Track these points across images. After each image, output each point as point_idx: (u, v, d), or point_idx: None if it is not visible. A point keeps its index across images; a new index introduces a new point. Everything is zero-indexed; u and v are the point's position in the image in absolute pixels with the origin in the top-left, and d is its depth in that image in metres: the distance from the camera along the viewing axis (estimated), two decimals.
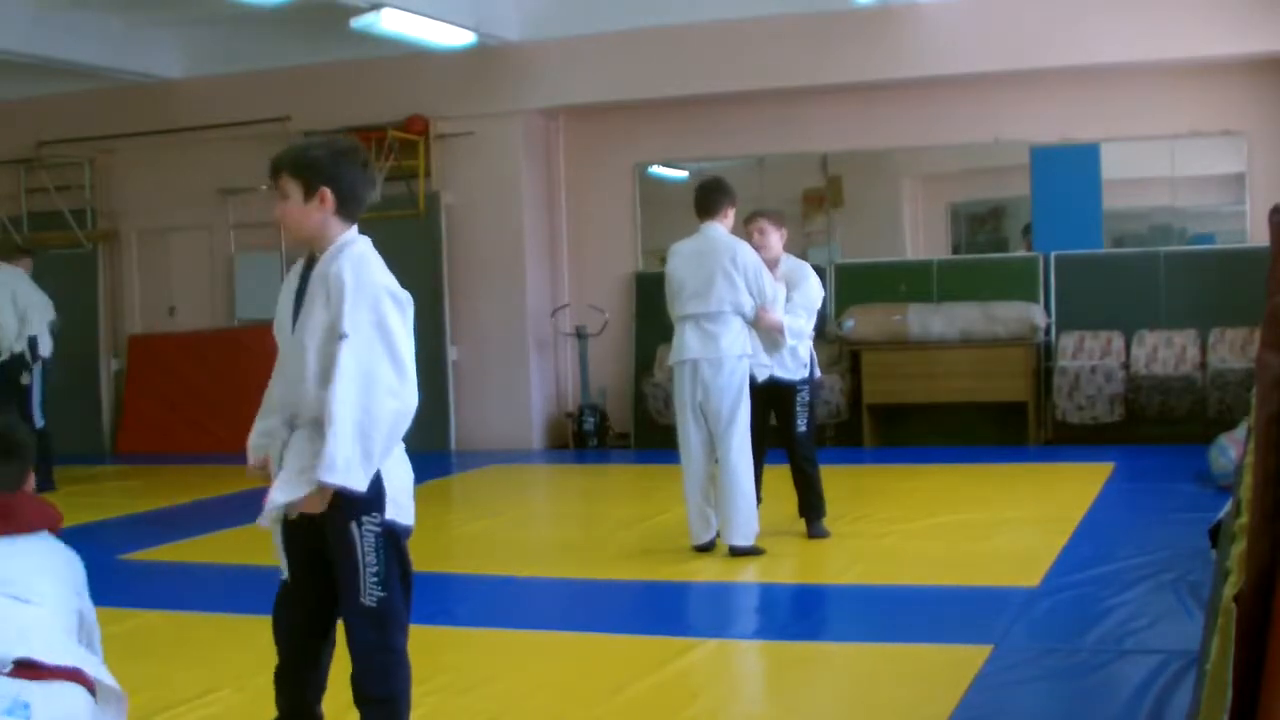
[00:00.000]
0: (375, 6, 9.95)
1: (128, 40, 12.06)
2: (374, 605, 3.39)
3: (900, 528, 7.43)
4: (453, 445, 12.10)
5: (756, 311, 6.77)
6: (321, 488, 3.26)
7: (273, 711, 3.68)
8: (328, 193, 3.39)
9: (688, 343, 6.78)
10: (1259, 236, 10.47)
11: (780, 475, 7.35)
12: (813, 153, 11.88)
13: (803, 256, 11.61)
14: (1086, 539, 6.87)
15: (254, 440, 3.54)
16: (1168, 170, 11.22)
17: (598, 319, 12.17)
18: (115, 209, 13.26)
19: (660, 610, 6.07)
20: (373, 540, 3.37)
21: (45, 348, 10.11)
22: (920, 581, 6.21)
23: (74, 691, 2.95)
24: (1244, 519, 2.18)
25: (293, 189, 3.41)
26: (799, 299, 7.11)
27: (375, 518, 3.35)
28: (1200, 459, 8.46)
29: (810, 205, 12.14)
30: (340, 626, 3.51)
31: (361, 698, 3.48)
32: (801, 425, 7.25)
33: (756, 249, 6.95)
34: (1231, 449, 7.74)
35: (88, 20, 11.43)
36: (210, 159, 12.57)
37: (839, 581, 6.39)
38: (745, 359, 6.81)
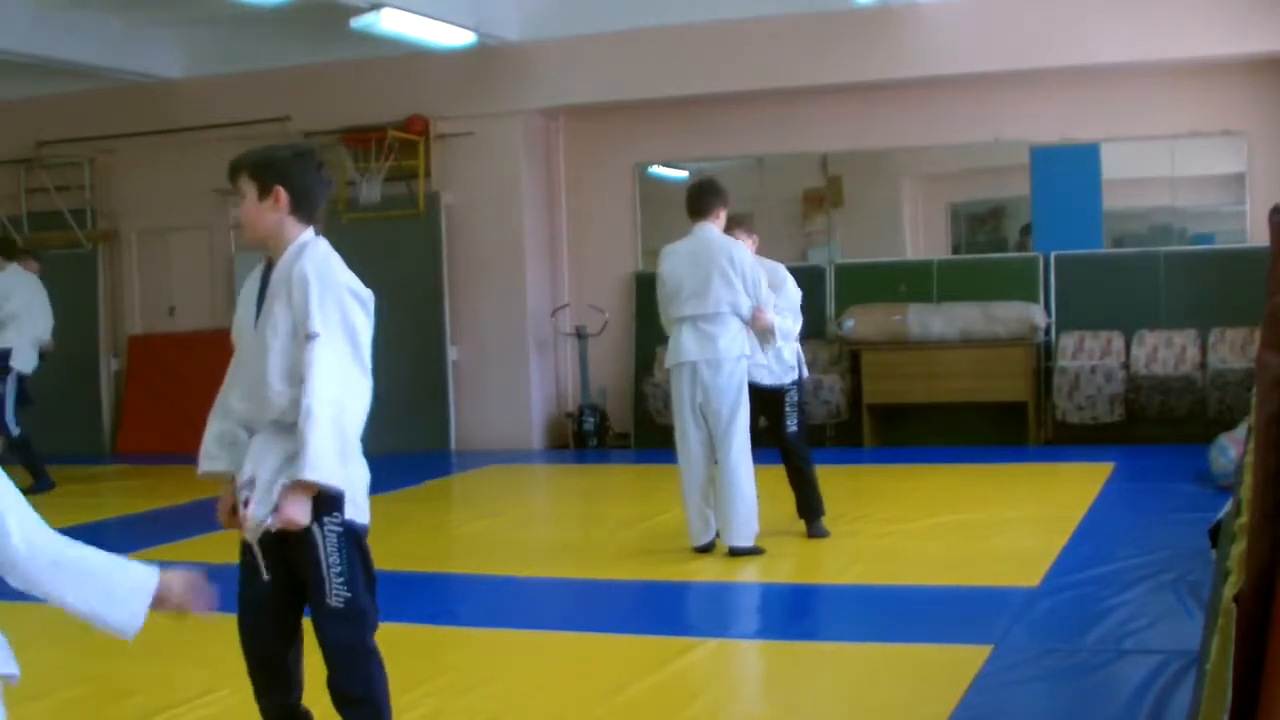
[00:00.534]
0: (375, 6, 9.95)
1: (128, 40, 12.06)
2: (341, 606, 3.38)
3: (900, 528, 7.43)
4: (453, 445, 12.10)
5: (753, 312, 6.78)
6: (302, 488, 3.26)
7: None
8: (282, 192, 3.41)
9: (685, 345, 6.76)
10: (1259, 236, 10.47)
11: (778, 476, 7.34)
12: (813, 153, 11.88)
13: (803, 257, 11.78)
14: (1086, 539, 6.87)
15: (210, 447, 3.48)
16: (1168, 170, 11.22)
17: (598, 319, 12.17)
18: (115, 209, 13.27)
19: (660, 610, 6.07)
20: (335, 540, 3.35)
21: (22, 362, 9.96)
22: (920, 581, 6.21)
23: None
24: (1244, 519, 2.18)
25: (249, 188, 3.44)
26: (783, 302, 7.17)
27: (336, 517, 3.34)
28: (1200, 459, 8.46)
29: (810, 205, 12.14)
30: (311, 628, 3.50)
31: (341, 700, 3.47)
32: (792, 426, 7.28)
33: None
34: (1231, 449, 7.74)
35: (88, 20, 11.43)
36: (210, 159, 12.49)
37: (839, 581, 6.38)
38: (744, 359, 6.82)
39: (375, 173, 12.07)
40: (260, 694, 3.59)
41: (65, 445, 11.39)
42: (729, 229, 7.00)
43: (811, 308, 11.43)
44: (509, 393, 12.08)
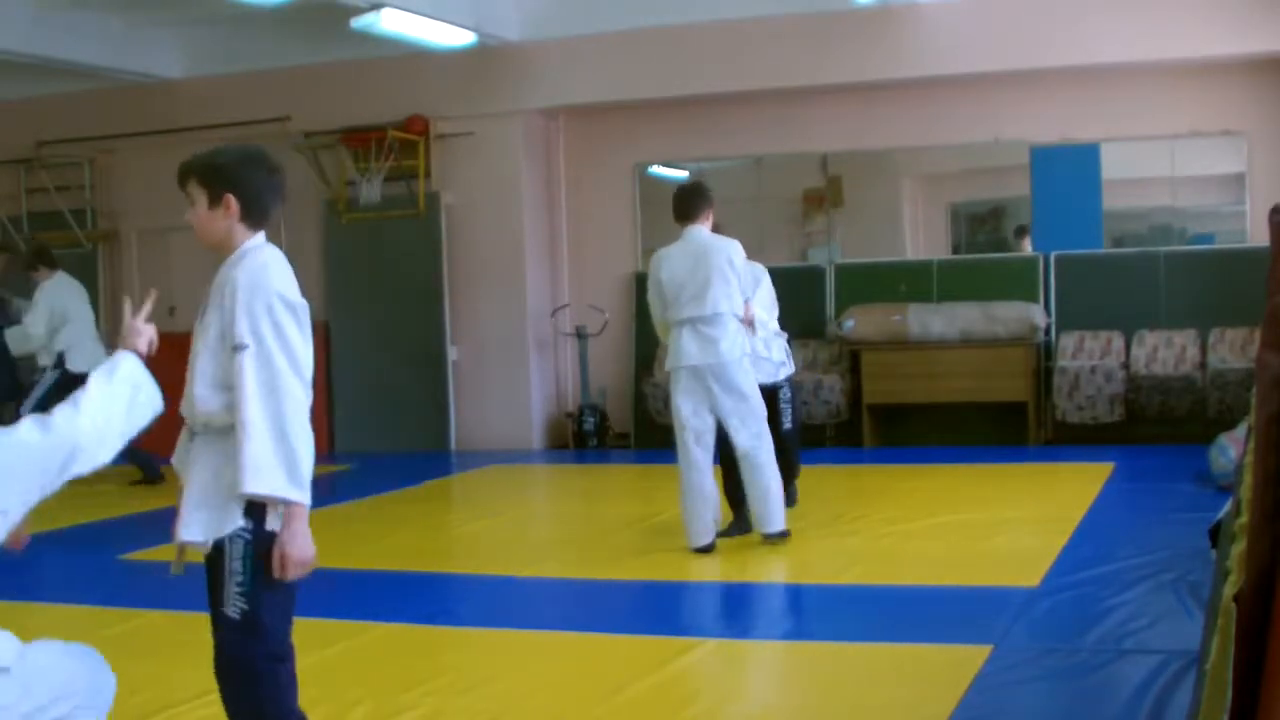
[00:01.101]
0: (375, 6, 9.95)
1: (128, 40, 12.06)
2: (236, 617, 3.24)
3: (900, 528, 7.43)
4: (453, 445, 12.10)
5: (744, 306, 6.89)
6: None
7: None
8: (232, 200, 3.32)
9: (686, 348, 6.80)
10: (1259, 236, 10.47)
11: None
12: (813, 153, 11.88)
13: (803, 257, 11.79)
14: (1086, 539, 6.87)
15: (176, 457, 3.47)
16: (1168, 170, 11.22)
17: (598, 319, 12.17)
18: (115, 209, 13.27)
19: (660, 610, 6.07)
20: (240, 548, 3.21)
21: (79, 362, 9.91)
22: (920, 581, 6.21)
23: None
24: (1244, 519, 2.18)
25: (198, 195, 3.34)
26: (765, 298, 7.39)
27: (246, 524, 3.21)
28: (1200, 459, 8.46)
29: (810, 205, 12.14)
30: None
31: (227, 712, 3.38)
32: (787, 423, 7.44)
33: None
34: (1231, 449, 7.74)
35: (88, 20, 11.43)
36: None
37: (839, 581, 6.38)
38: (746, 358, 6.89)
39: (375, 173, 12.07)
40: None
41: None
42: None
43: (811, 308, 11.49)
44: (509, 393, 12.08)
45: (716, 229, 7.08)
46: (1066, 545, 6.69)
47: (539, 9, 11.65)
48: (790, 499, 7.41)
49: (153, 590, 6.47)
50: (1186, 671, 4.24)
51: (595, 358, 12.10)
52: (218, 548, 3.25)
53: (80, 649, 3.25)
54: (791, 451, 7.39)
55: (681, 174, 12.64)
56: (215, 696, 4.62)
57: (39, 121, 13.04)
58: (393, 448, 12.02)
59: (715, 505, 7.01)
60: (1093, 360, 10.74)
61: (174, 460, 3.46)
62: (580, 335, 12.10)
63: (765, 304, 7.42)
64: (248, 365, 3.18)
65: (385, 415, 12.18)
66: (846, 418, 11.19)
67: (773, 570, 6.79)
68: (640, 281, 12.22)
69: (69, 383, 10.01)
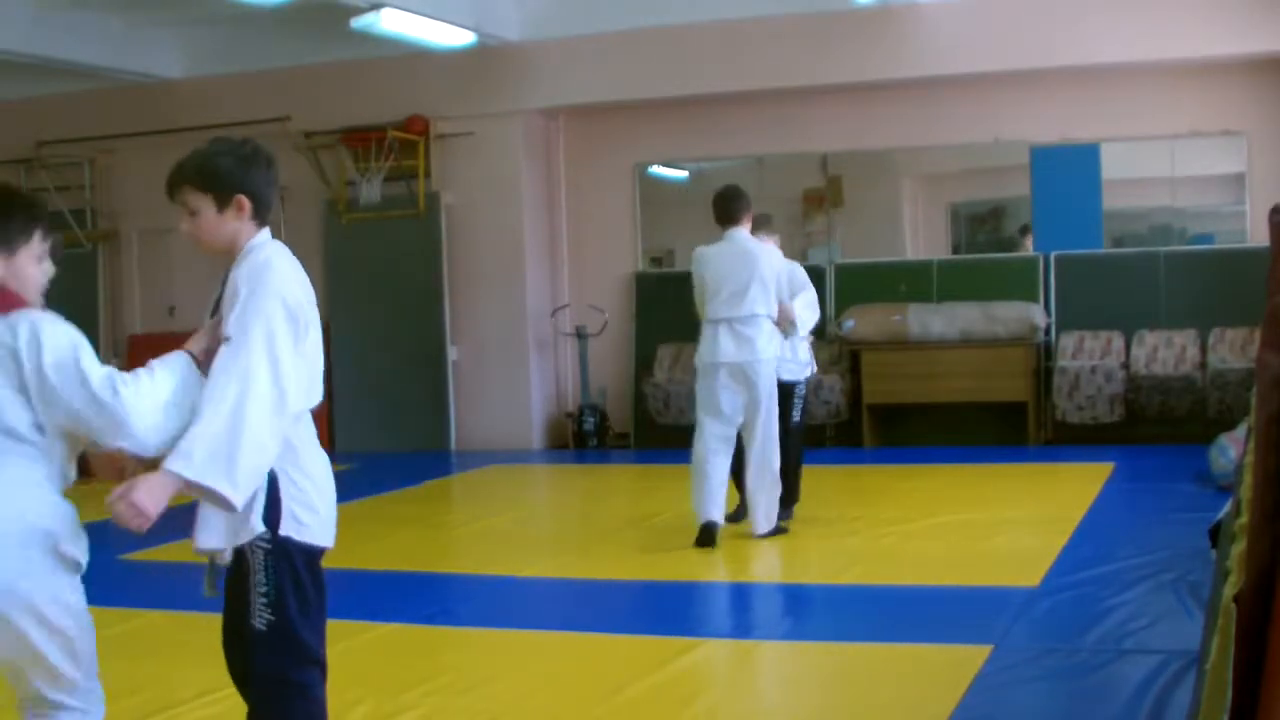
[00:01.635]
0: (375, 6, 9.95)
1: (128, 40, 12.06)
2: (263, 629, 3.17)
3: (900, 528, 7.43)
4: (453, 445, 12.10)
5: (779, 307, 7.24)
6: (165, 477, 2.99)
7: None
8: (244, 200, 3.23)
9: (724, 346, 7.10)
10: (1259, 236, 10.47)
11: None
12: (813, 153, 11.88)
13: (803, 256, 11.76)
14: (1086, 539, 6.87)
15: None
16: (1168, 170, 11.22)
17: (598, 319, 12.17)
18: (115, 209, 13.27)
19: (660, 610, 6.06)
20: (261, 558, 3.14)
21: None
22: (920, 581, 6.21)
23: None
24: (1244, 519, 2.18)
25: (200, 202, 3.22)
26: (807, 297, 7.62)
27: (265, 532, 3.13)
28: (1200, 459, 8.46)
29: (810, 205, 12.14)
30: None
31: None
32: (796, 416, 7.64)
33: None
34: (1231, 449, 7.74)
35: (88, 20, 11.43)
36: None
37: (839, 581, 6.38)
38: (777, 360, 7.21)
39: (375, 173, 12.07)
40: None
41: None
42: (754, 229, 7.43)
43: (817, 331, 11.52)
44: (509, 393, 12.08)
45: (763, 223, 7.62)
46: (1066, 545, 6.69)
47: (539, 9, 11.65)
48: (794, 495, 7.55)
49: (153, 590, 6.48)
50: (1186, 671, 4.24)
51: (595, 358, 12.10)
52: (239, 557, 3.16)
53: None
54: (795, 446, 7.53)
55: (681, 174, 12.66)
56: (216, 696, 4.64)
57: (39, 121, 13.03)
58: (393, 448, 12.02)
59: (725, 493, 7.21)
60: (1093, 360, 10.74)
61: None
62: (580, 335, 12.10)
63: (809, 303, 7.63)
64: (225, 356, 3.05)
65: (385, 415, 12.18)
66: (846, 418, 11.19)
67: (773, 570, 6.80)
68: (640, 282, 12.25)
69: None
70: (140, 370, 3.07)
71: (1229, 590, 2.02)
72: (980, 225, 12.12)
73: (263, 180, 3.30)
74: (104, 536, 3.40)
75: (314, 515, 3.25)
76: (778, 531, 7.19)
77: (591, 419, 11.96)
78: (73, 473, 3.20)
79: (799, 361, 7.63)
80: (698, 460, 7.14)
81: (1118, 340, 10.84)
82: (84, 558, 3.16)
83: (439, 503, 9.70)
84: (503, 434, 12.02)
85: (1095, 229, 11.22)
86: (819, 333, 11.29)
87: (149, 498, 2.98)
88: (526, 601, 6.31)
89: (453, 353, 12.13)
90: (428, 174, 12.13)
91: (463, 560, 7.53)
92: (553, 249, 12.47)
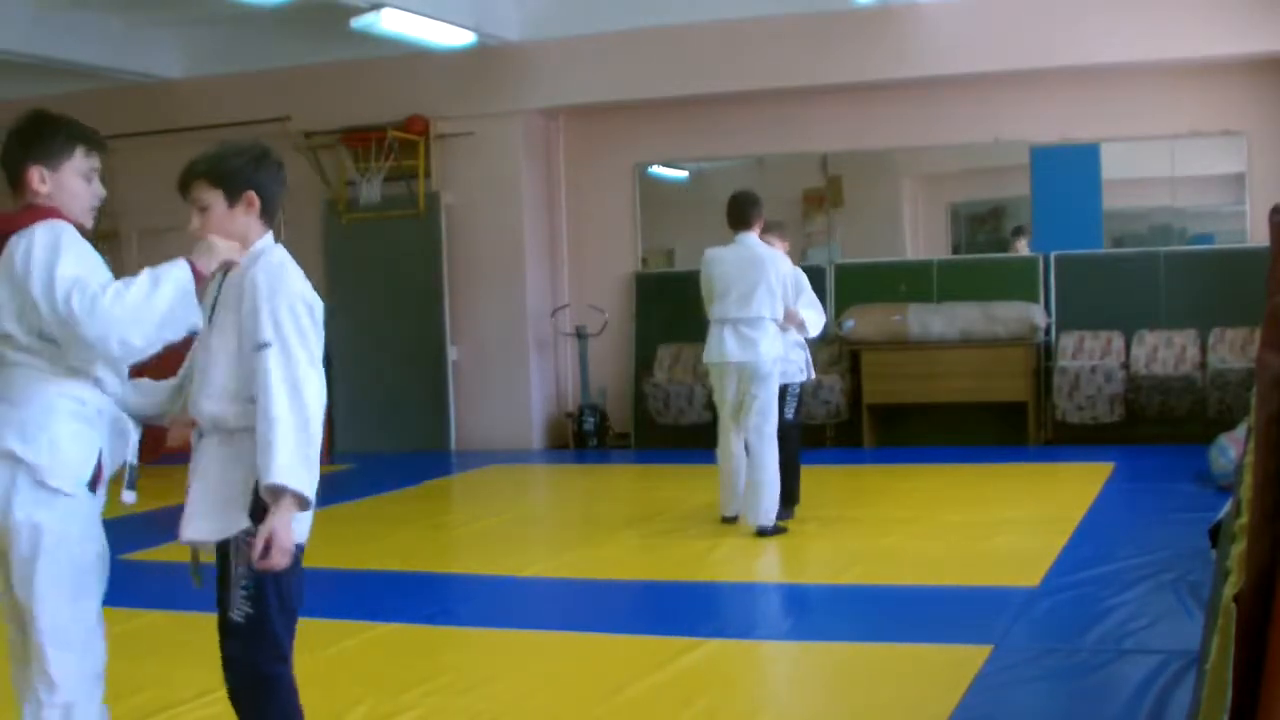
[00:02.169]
0: (375, 6, 9.95)
1: (128, 40, 12.06)
2: (241, 621, 3.21)
3: (900, 528, 7.43)
4: (453, 445, 12.10)
5: (785, 311, 7.44)
6: (273, 495, 3.10)
7: None
8: (253, 195, 3.28)
9: (729, 346, 7.33)
10: (1259, 236, 10.47)
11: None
12: (813, 153, 11.88)
13: (803, 257, 11.77)
14: (1086, 539, 6.87)
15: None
16: (1168, 170, 11.22)
17: (598, 319, 12.17)
18: (115, 209, 13.24)
19: (660, 610, 6.06)
20: (245, 552, 3.18)
21: None
22: (920, 581, 6.21)
23: None
24: (1244, 519, 2.18)
25: (211, 197, 3.27)
26: (806, 299, 7.79)
27: (250, 527, 3.17)
28: (1200, 459, 8.46)
29: (810, 205, 12.14)
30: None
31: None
32: (789, 413, 7.72)
33: None
34: (1231, 449, 7.74)
35: (88, 20, 11.43)
36: None
37: (839, 581, 6.38)
38: (779, 361, 7.37)
39: (375, 173, 12.07)
40: None
41: None
42: (766, 233, 7.62)
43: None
44: (509, 393, 12.08)
45: (774, 227, 7.80)
46: (1066, 545, 6.69)
47: (539, 9, 11.65)
48: (794, 495, 7.62)
49: (153, 590, 6.47)
50: (1186, 671, 4.24)
51: (595, 358, 12.10)
52: (222, 551, 3.22)
53: None
54: (792, 444, 7.61)
55: (681, 174, 12.66)
56: (216, 696, 4.63)
57: None
58: (393, 448, 12.02)
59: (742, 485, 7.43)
60: (1093, 360, 10.74)
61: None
62: (580, 335, 12.10)
63: (810, 303, 7.84)
64: (273, 361, 3.14)
65: (385, 415, 12.17)
66: (846, 418, 11.19)
67: (773, 570, 6.80)
68: (640, 282, 12.25)
69: None
70: (134, 279, 3.16)
71: (1229, 590, 2.02)
72: (980, 225, 12.12)
73: (272, 180, 3.35)
74: (106, 537, 3.40)
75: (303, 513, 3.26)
76: (776, 531, 7.22)
77: (591, 419, 11.96)
78: (112, 384, 3.28)
79: (797, 364, 7.78)
80: (720, 459, 7.52)
81: (1118, 340, 10.84)
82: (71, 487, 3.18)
83: (439, 503, 9.70)
84: (503, 434, 12.02)
85: (1095, 229, 11.22)
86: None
87: (285, 533, 3.11)
88: (526, 601, 6.31)
89: (453, 353, 12.13)
90: (428, 174, 12.13)
91: (463, 560, 7.53)
92: (553, 249, 12.47)
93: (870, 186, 12.08)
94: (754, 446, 7.28)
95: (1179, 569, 5.89)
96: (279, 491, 3.09)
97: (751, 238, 7.45)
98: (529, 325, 12.08)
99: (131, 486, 3.42)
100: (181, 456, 3.43)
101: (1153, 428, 10.58)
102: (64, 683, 3.19)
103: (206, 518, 3.23)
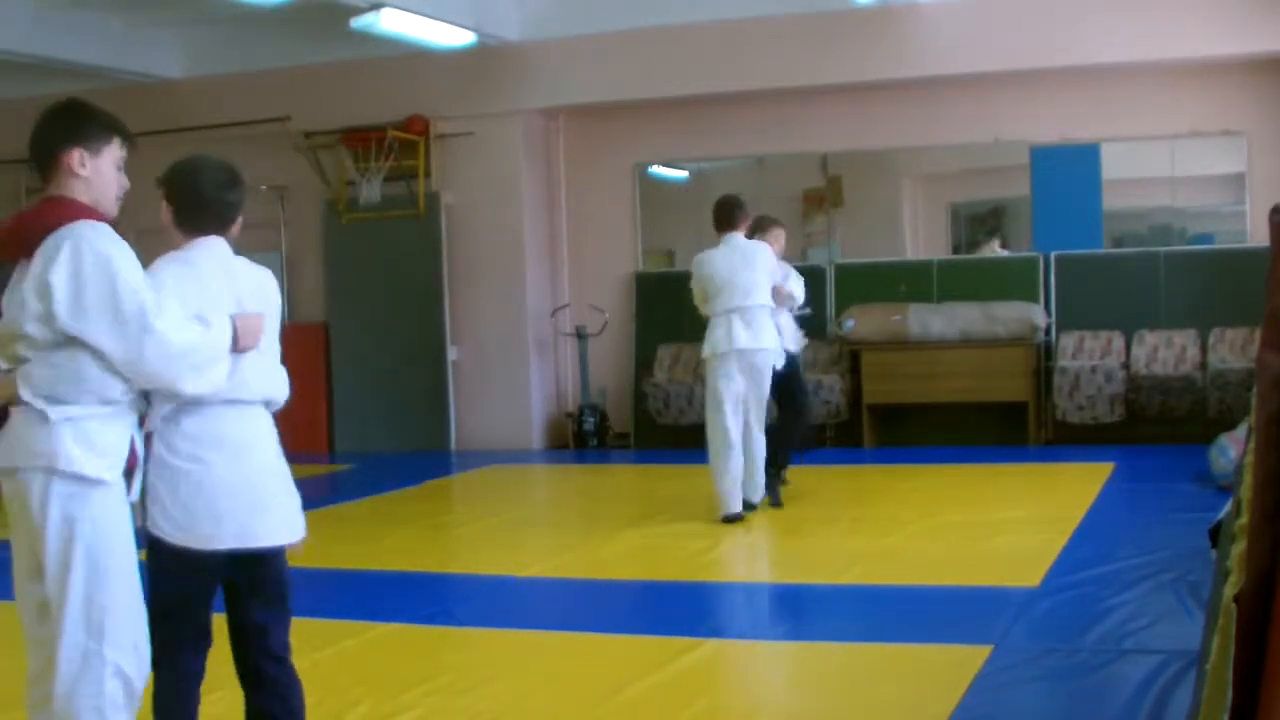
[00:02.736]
0: (375, 6, 9.95)
1: (128, 40, 12.06)
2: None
3: (900, 528, 7.43)
4: (453, 445, 12.10)
5: (775, 289, 7.96)
6: None
7: None
8: (165, 204, 3.63)
9: (736, 333, 7.69)
10: (1259, 236, 10.47)
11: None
12: (813, 153, 11.87)
13: (803, 256, 11.78)
14: (1086, 539, 6.87)
15: None
16: (1168, 170, 11.22)
17: (598, 319, 12.17)
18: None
19: (660, 610, 6.06)
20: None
21: None
22: (920, 581, 6.21)
23: None
24: (1244, 519, 2.18)
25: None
26: (794, 278, 8.57)
27: None
28: (1200, 459, 8.46)
29: (810, 205, 12.14)
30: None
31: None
32: (806, 386, 8.64)
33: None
34: (1231, 449, 7.74)
35: (88, 20, 11.42)
36: None
37: (839, 581, 6.38)
38: (776, 352, 7.84)
39: (375, 173, 12.07)
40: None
41: None
42: (764, 228, 8.25)
43: (811, 308, 11.51)
44: (509, 393, 12.08)
45: (772, 221, 8.45)
46: (1066, 545, 6.69)
47: (539, 9, 11.65)
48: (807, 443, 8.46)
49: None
50: (1186, 671, 4.24)
51: (595, 358, 12.10)
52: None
53: None
54: (808, 412, 8.40)
55: (681, 174, 12.66)
56: (219, 696, 4.64)
57: None
58: (393, 448, 12.02)
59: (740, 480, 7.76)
60: (1093, 360, 10.74)
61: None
62: (580, 335, 12.10)
63: (795, 278, 8.49)
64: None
65: (385, 415, 12.17)
66: (846, 418, 11.18)
67: (773, 570, 6.80)
68: (640, 282, 12.25)
69: None
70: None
71: (1229, 590, 2.02)
72: (980, 225, 12.12)
73: (192, 189, 3.60)
74: None
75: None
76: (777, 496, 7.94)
77: (591, 419, 11.96)
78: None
79: (794, 338, 8.41)
80: (715, 452, 7.74)
81: (1118, 340, 10.84)
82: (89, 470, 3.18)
83: (439, 503, 9.69)
84: (503, 434, 12.01)
85: (1095, 229, 11.22)
86: (819, 333, 11.39)
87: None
88: (526, 601, 6.31)
89: (453, 353, 12.13)
90: (428, 174, 12.13)
91: (463, 560, 7.54)
92: (553, 249, 12.47)
93: (870, 186, 12.08)
94: (755, 432, 7.75)
95: (1179, 569, 5.89)
96: None
97: (738, 236, 7.90)
98: (529, 325, 12.08)
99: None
100: None
101: (1153, 428, 10.58)
102: (113, 677, 3.16)
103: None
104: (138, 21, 11.90)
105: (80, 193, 3.26)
